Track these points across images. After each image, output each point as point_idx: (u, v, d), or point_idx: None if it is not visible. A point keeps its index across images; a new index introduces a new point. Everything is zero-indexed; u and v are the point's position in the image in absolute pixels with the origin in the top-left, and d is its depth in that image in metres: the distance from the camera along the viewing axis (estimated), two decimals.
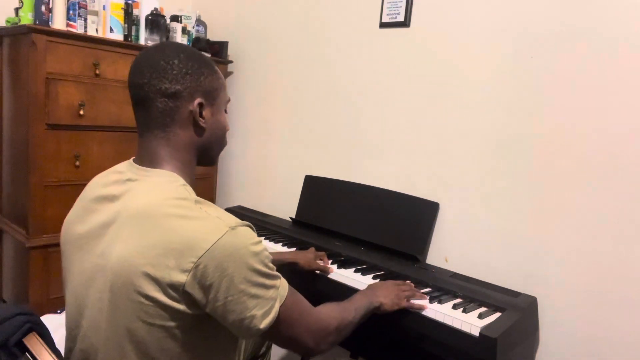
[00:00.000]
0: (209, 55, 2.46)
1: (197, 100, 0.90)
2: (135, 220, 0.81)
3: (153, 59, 0.89)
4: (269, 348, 1.55)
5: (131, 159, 0.94)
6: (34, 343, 0.85)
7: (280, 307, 0.85)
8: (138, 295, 0.78)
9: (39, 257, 2.01)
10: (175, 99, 0.89)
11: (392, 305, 1.26)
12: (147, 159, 0.91)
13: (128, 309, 0.79)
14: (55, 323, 1.59)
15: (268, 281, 0.83)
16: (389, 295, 1.27)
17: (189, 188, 0.88)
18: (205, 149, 0.96)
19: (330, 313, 1.01)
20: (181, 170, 0.91)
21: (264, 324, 0.82)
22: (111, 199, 0.88)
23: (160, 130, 0.90)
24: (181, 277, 0.77)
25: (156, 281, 0.77)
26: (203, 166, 1.02)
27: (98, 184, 0.94)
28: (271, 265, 0.85)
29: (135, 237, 0.80)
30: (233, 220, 0.82)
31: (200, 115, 0.92)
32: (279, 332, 0.87)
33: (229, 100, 1.02)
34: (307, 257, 1.55)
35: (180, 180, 0.88)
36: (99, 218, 0.88)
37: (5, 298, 2.32)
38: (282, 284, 0.87)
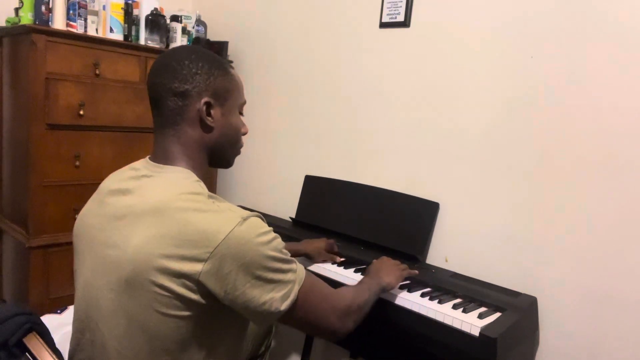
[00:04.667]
0: None
1: (204, 100, 0.93)
2: (151, 214, 0.83)
3: (167, 60, 0.93)
4: (267, 348, 1.55)
5: (147, 157, 0.97)
6: (34, 343, 0.86)
7: (300, 289, 0.87)
8: (153, 286, 0.80)
9: (39, 257, 2.01)
10: (184, 98, 0.92)
11: (396, 281, 1.31)
12: (161, 156, 0.94)
13: (143, 299, 0.81)
14: (55, 323, 1.59)
15: (284, 266, 0.86)
16: (391, 273, 1.31)
17: (202, 184, 0.92)
18: (217, 149, 0.99)
19: (350, 292, 1.05)
20: (193, 168, 0.94)
21: (284, 305, 0.85)
22: (124, 192, 0.90)
23: (171, 129, 0.94)
24: (197, 268, 0.79)
25: (172, 272, 0.79)
26: (218, 168, 1.06)
27: (114, 180, 0.97)
28: (285, 251, 0.88)
29: (151, 230, 0.82)
30: (244, 212, 0.86)
31: (209, 114, 0.94)
32: (303, 316, 0.90)
33: (244, 103, 1.04)
34: (318, 249, 1.57)
35: (194, 177, 0.92)
36: (110, 210, 0.90)
37: (5, 298, 2.32)
38: (299, 267, 0.90)
